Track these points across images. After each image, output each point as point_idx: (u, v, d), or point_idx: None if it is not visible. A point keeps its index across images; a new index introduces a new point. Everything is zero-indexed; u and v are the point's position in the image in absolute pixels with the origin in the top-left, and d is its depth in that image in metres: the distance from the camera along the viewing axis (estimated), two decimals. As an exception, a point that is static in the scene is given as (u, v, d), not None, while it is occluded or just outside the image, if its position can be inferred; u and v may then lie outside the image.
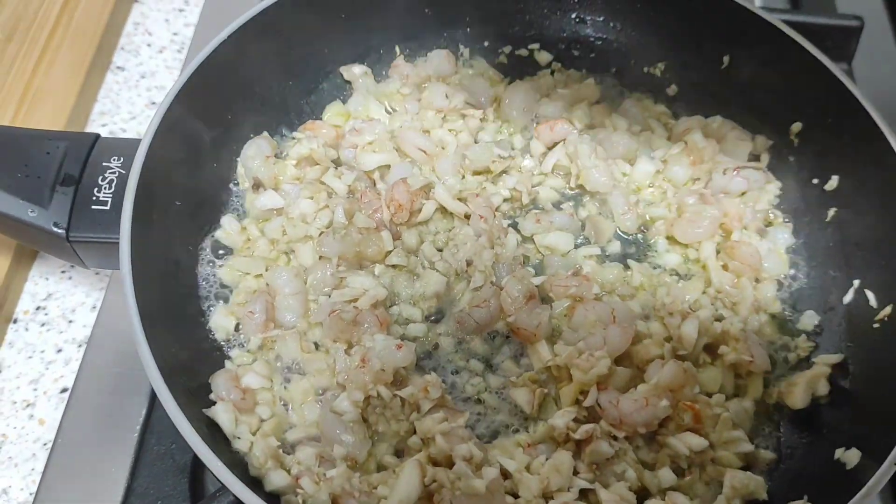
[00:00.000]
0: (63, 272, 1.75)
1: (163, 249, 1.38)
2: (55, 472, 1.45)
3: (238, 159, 1.58)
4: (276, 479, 1.20)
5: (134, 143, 1.34)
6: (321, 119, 1.71)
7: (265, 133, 1.60)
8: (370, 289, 1.41)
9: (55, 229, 1.32)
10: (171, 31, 2.20)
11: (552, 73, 1.81)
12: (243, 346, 1.42)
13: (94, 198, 1.34)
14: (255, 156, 1.53)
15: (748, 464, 1.34)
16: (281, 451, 1.28)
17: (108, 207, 1.34)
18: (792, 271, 1.56)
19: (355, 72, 1.73)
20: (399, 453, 1.32)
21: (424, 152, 1.60)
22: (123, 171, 1.37)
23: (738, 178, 1.58)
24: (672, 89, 1.78)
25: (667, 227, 1.58)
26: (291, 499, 1.20)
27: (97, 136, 1.42)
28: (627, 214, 1.57)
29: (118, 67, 2.13)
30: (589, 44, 1.82)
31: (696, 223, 1.54)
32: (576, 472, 1.28)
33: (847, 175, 1.52)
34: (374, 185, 1.58)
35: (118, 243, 1.25)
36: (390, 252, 1.49)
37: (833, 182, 1.54)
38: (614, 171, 1.60)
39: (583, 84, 1.77)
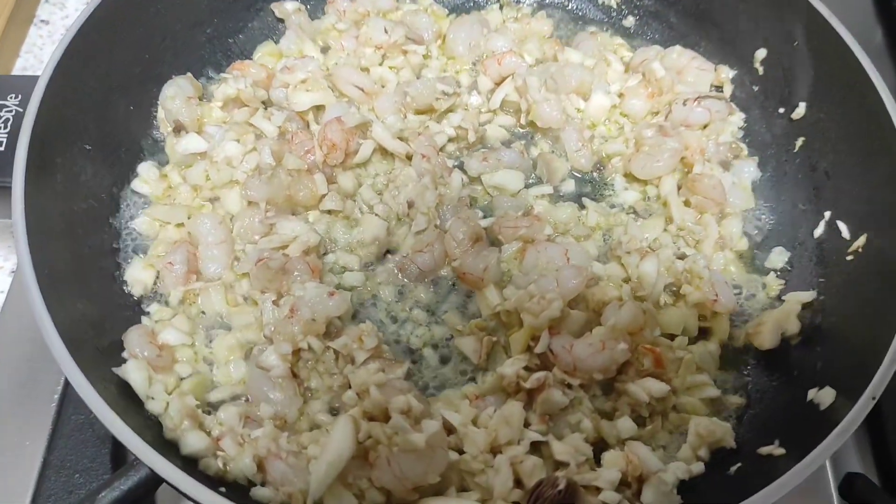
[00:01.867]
0: (-23, 235, 1.62)
1: (69, 197, 1.25)
2: (-36, 448, 1.33)
3: (158, 101, 1.44)
4: (193, 441, 1.09)
5: (33, 81, 1.20)
6: (251, 59, 1.57)
7: (188, 74, 1.47)
8: (301, 234, 1.29)
9: (-58, 173, 1.19)
10: (99, -19, 2.06)
11: (501, 6, 1.69)
12: (162, 301, 1.29)
13: (-13, 138, 1.22)
14: (174, 96, 1.41)
15: (715, 410, 1.24)
16: (200, 411, 1.16)
17: (2, 148, 1.21)
18: (759, 206, 1.46)
19: (287, 8, 1.60)
20: (335, 411, 1.21)
21: (362, 90, 1.48)
22: (20, 110, 1.24)
23: (698, 108, 1.47)
24: (629, 20, 1.67)
25: (624, 163, 1.47)
26: (210, 462, 1.09)
27: (-8, 73, 1.29)
28: (581, 151, 1.46)
29: (42, 21, 1.99)
30: (540, -26, 1.71)
31: (655, 157, 1.43)
32: (527, 425, 1.17)
33: (815, 102, 1.42)
34: (308, 126, 1.46)
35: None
36: (324, 196, 1.37)
37: (800, 110, 1.43)
38: (567, 106, 1.49)
39: (534, 17, 1.66)
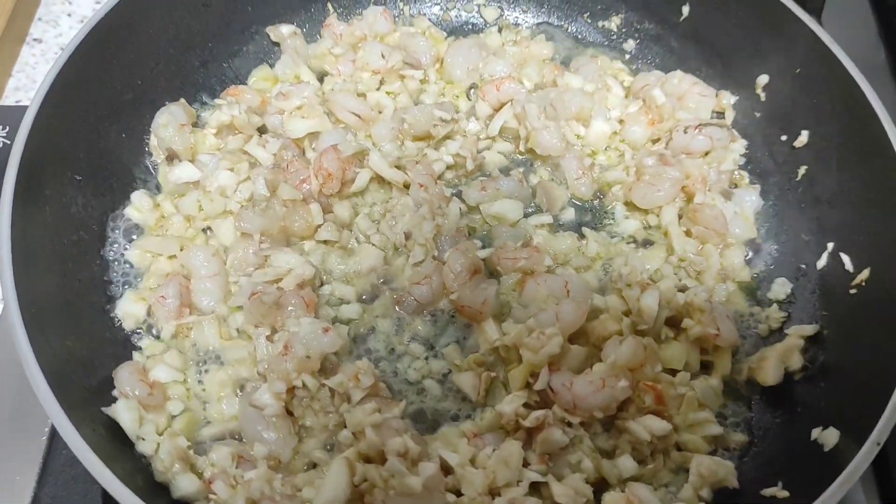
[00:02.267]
0: (-32, 262, 1.59)
1: (58, 230, 1.23)
2: (-48, 482, 1.30)
3: (150, 129, 1.42)
4: (185, 484, 1.06)
5: (21, 111, 1.18)
6: (246, 84, 1.55)
7: (182, 100, 1.44)
8: (296, 267, 1.27)
9: (-71, 207, 1.16)
10: (92, -1, 2.04)
11: (499, 29, 1.67)
12: (154, 336, 1.27)
13: (-27, 171, 1.19)
14: (167, 124, 1.38)
15: (717, 448, 1.22)
16: (192, 452, 1.13)
17: (-10, 181, 1.18)
18: (761, 236, 1.43)
19: (283, 32, 1.58)
20: (330, 449, 1.18)
21: (359, 117, 1.46)
22: (8, 142, 1.22)
23: (700, 136, 1.45)
24: (629, 44, 1.65)
25: (625, 191, 1.45)
26: (202, 506, 1.06)
27: (-21, 104, 1.27)
28: (581, 179, 1.44)
29: (35, 39, 1.96)
30: (538, -2, 1.69)
31: (656, 186, 1.41)
32: (526, 464, 1.14)
33: (818, 130, 1.40)
34: (303, 153, 1.44)
35: (1, 222, 1.09)
36: (320, 226, 1.34)
37: (803, 138, 1.41)
38: (567, 133, 1.46)
39: (533, 40, 1.64)
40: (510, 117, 1.48)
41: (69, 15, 2.00)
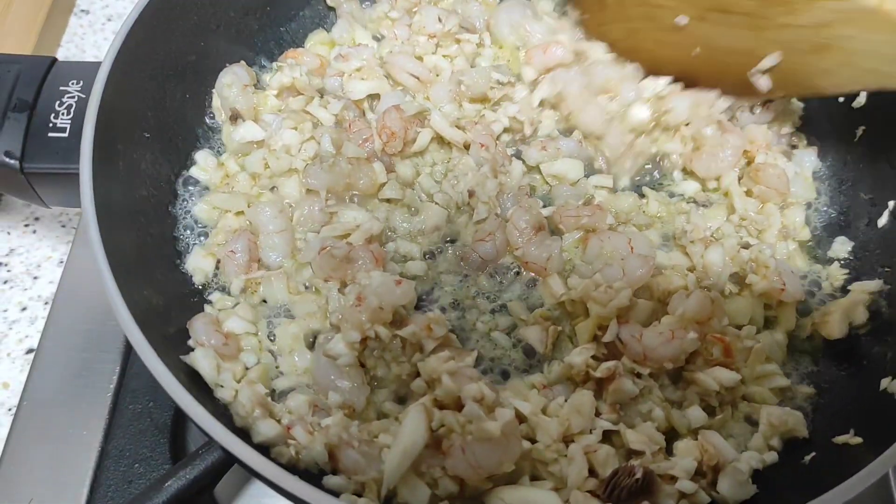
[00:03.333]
0: (27, 225, 1.62)
1: (131, 185, 1.24)
2: (21, 438, 1.34)
3: (214, 90, 1.43)
4: (265, 429, 1.07)
5: (95, 67, 1.20)
6: (303, 48, 1.56)
7: (242, 62, 1.46)
8: (364, 222, 1.28)
9: (7, 159, 1.18)
10: (137, -28, 2.05)
11: (551, -2, 1.67)
12: (224, 290, 1.28)
13: (51, 124, 1.21)
14: (231, 84, 1.39)
15: (784, 400, 1.22)
16: (269, 399, 1.14)
17: (66, 135, 1.20)
18: (821, 196, 1.44)
19: (338, -4, 1.59)
20: (401, 400, 1.20)
21: (418, 79, 1.47)
22: (83, 96, 1.23)
23: (767, 112, 1.45)
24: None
25: (684, 161, 1.44)
26: (283, 450, 1.07)
27: (54, 59, 1.28)
28: (624, 159, 1.44)
29: (82, 10, 1.99)
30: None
31: (716, 156, 1.40)
32: (597, 414, 1.16)
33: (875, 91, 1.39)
34: (364, 115, 1.45)
35: (79, 174, 1.10)
36: (384, 185, 1.35)
37: (861, 99, 1.41)
38: (611, 106, 1.45)
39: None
40: (549, 92, 1.47)
41: (115, -13, 2.02)
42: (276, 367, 1.21)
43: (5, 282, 1.55)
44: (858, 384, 1.21)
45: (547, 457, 1.09)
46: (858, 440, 1.09)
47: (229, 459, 1.06)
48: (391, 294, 1.18)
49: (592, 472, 1.09)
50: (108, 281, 1.03)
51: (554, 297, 1.27)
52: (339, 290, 1.23)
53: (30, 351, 1.47)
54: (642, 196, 1.41)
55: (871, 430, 1.09)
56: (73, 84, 1.23)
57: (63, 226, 1.62)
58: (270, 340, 1.24)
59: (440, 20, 1.51)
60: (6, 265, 1.57)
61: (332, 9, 1.61)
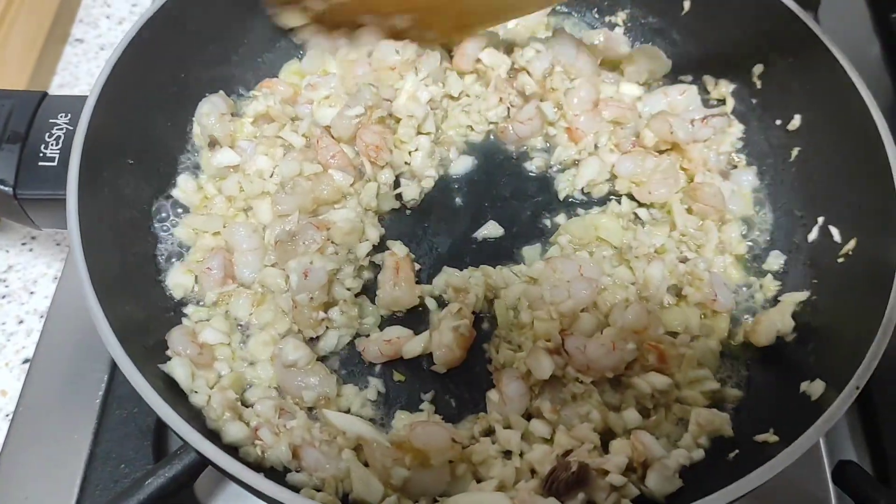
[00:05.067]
0: (24, 244, 1.73)
1: (115, 208, 1.35)
2: (17, 441, 1.43)
3: (193, 118, 1.54)
4: (234, 431, 1.18)
5: (81, 100, 1.31)
6: (277, 77, 1.68)
7: (221, 91, 1.57)
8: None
9: (2, 187, 1.30)
10: (129, 2, 2.17)
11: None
12: (200, 303, 1.39)
13: (41, 154, 1.32)
14: (209, 113, 1.50)
15: (714, 402, 1.33)
16: (239, 403, 1.25)
17: (55, 164, 1.31)
18: (757, 212, 1.54)
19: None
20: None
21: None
22: (71, 128, 1.34)
23: (705, 128, 1.55)
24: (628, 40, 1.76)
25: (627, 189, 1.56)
26: (250, 450, 1.18)
27: (44, 94, 1.40)
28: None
29: (77, 40, 2.10)
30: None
31: (659, 183, 1.51)
32: (539, 414, 1.26)
33: (809, 114, 1.51)
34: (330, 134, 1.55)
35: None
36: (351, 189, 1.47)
37: (796, 122, 1.52)
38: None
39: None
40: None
41: (108, 17, 2.14)
42: (247, 378, 1.32)
43: (3, 296, 1.66)
44: (781, 387, 1.30)
45: (486, 458, 1.19)
46: (776, 438, 1.19)
47: (203, 459, 1.16)
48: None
49: (533, 473, 1.20)
50: (91, 299, 1.14)
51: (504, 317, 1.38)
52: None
53: (26, 361, 1.57)
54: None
55: (788, 428, 1.18)
56: (61, 117, 1.35)
57: (58, 244, 1.73)
58: (244, 350, 1.35)
59: (397, 52, 1.60)
60: (5, 281, 1.68)
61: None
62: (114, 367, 1.48)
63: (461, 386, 1.36)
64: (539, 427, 1.24)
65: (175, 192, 1.49)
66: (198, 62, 1.56)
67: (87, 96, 1.31)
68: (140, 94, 1.43)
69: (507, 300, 1.40)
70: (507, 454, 1.24)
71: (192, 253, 1.43)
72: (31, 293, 1.67)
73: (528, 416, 1.28)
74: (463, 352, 1.34)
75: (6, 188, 1.30)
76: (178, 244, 1.45)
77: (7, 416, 1.51)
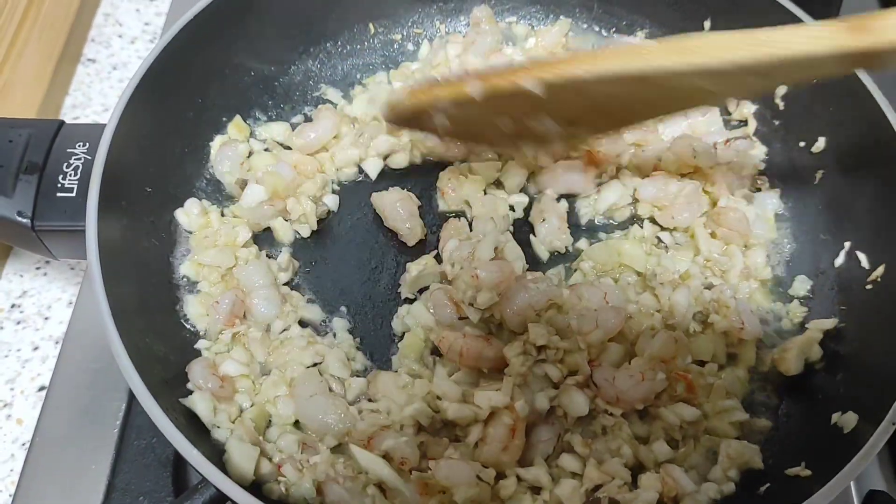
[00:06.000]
0: (38, 268, 1.72)
1: (134, 237, 1.34)
2: (34, 471, 1.41)
3: (211, 161, 1.55)
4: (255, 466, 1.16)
5: (99, 129, 1.29)
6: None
7: (233, 132, 1.57)
8: None
9: (20, 219, 1.28)
10: (142, 21, 2.16)
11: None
12: (217, 340, 1.37)
13: (59, 185, 1.30)
14: (230, 171, 1.51)
15: (744, 433, 1.31)
16: (262, 438, 1.23)
17: (73, 194, 1.30)
18: (781, 237, 1.52)
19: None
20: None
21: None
22: (89, 157, 1.33)
23: (728, 150, 1.53)
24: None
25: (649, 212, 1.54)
26: (273, 487, 1.17)
27: (61, 122, 1.38)
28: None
29: (89, 59, 2.09)
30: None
31: (683, 207, 1.49)
32: (570, 448, 1.24)
33: (834, 136, 1.49)
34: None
35: (85, 231, 1.20)
36: None
37: (820, 144, 1.50)
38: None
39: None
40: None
41: (120, 36, 2.13)
42: (269, 414, 1.30)
43: (18, 322, 1.64)
44: (812, 418, 1.29)
45: (514, 493, 1.17)
46: (808, 472, 1.17)
47: (224, 497, 1.15)
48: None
49: (560, 506, 1.18)
50: (112, 332, 1.12)
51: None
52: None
53: (41, 388, 1.55)
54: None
55: (820, 462, 1.17)
56: (79, 146, 1.33)
57: (72, 268, 1.71)
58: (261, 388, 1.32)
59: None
60: (19, 306, 1.66)
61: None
62: (132, 396, 1.47)
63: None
64: (569, 462, 1.22)
65: (178, 213, 1.45)
66: (213, 87, 1.55)
67: (104, 124, 1.30)
68: (157, 123, 1.41)
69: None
70: (536, 489, 1.21)
71: (207, 285, 1.41)
72: (46, 318, 1.65)
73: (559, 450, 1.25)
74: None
75: (24, 220, 1.28)
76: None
77: (24, 445, 1.50)
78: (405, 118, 1.44)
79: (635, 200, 1.55)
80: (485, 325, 1.36)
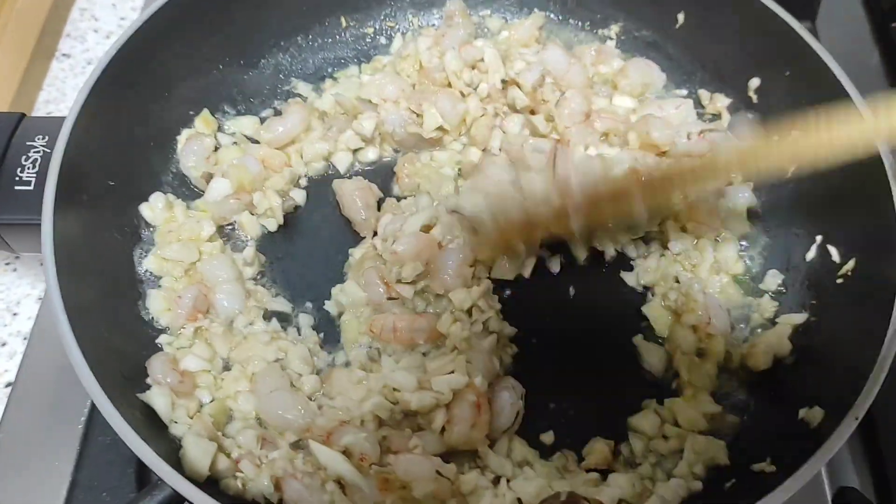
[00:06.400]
0: (7, 264, 1.70)
1: (95, 231, 1.32)
2: (-2, 468, 1.40)
3: (176, 155, 1.53)
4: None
5: (60, 122, 1.28)
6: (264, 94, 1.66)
7: (200, 125, 1.55)
8: None
9: (-24, 211, 1.27)
10: (118, 16, 2.14)
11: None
12: (178, 334, 1.35)
13: (17, 178, 1.29)
14: (195, 165, 1.49)
15: (712, 429, 1.29)
16: (220, 434, 1.22)
17: (31, 188, 1.28)
18: (753, 231, 1.51)
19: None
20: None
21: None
22: (48, 150, 1.31)
23: (702, 141, 1.51)
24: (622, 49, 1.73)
25: None
26: (230, 483, 1.15)
27: (22, 115, 1.36)
28: None
29: (64, 55, 2.07)
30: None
31: None
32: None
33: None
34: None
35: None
36: None
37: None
38: None
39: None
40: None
41: (95, 31, 2.11)
42: (230, 409, 1.28)
43: (-14, 318, 1.63)
44: (780, 412, 1.27)
45: (475, 489, 1.16)
46: (773, 468, 1.16)
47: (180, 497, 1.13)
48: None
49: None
50: (63, 325, 1.11)
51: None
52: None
53: (8, 385, 1.54)
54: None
55: (785, 457, 1.15)
56: (38, 139, 1.31)
57: (41, 264, 1.68)
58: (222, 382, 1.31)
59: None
60: (-13, 303, 1.65)
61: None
62: None
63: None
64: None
65: (142, 207, 1.43)
66: (181, 80, 1.53)
67: (64, 118, 1.28)
68: (121, 115, 1.39)
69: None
70: (497, 481, 1.20)
71: (164, 280, 1.39)
72: (15, 314, 1.64)
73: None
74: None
75: (-19, 213, 1.27)
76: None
77: (-12, 442, 1.48)
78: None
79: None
80: (423, 301, 1.36)
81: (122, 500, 1.35)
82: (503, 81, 1.58)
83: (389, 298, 1.34)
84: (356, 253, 1.43)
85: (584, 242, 1.43)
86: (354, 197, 1.47)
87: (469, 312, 1.29)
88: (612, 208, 1.29)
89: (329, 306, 1.41)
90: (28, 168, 1.30)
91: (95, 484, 1.37)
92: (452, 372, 1.23)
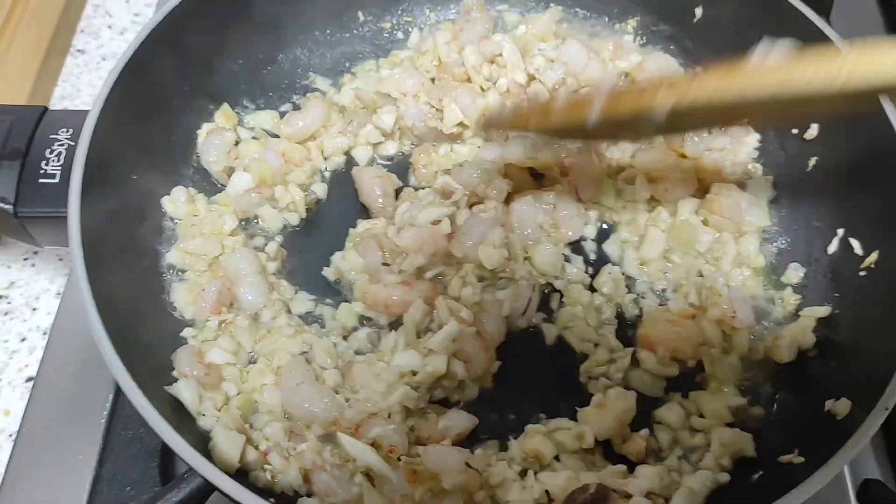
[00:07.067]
0: (26, 259, 1.70)
1: (119, 224, 1.31)
2: (21, 462, 1.39)
3: (197, 149, 1.53)
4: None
5: (83, 115, 1.27)
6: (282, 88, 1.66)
7: (220, 120, 1.56)
8: None
9: (1, 205, 1.26)
10: (131, 11, 2.14)
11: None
12: (203, 328, 1.35)
13: (42, 171, 1.29)
14: (216, 160, 1.49)
15: (737, 421, 1.29)
16: (248, 426, 1.22)
17: (56, 180, 1.28)
18: (775, 224, 1.51)
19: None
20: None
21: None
22: (73, 143, 1.31)
23: (723, 136, 1.51)
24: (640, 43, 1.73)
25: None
26: (259, 475, 1.15)
27: (44, 108, 1.36)
28: None
29: (78, 50, 2.07)
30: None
31: (678, 182, 1.48)
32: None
33: (826, 122, 1.47)
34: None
35: (67, 217, 1.18)
36: None
37: (813, 130, 1.49)
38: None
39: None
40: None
41: (109, 27, 2.11)
42: (255, 402, 1.28)
43: (6, 313, 1.63)
44: (805, 405, 1.27)
45: (503, 481, 1.16)
46: (801, 459, 1.16)
47: (211, 486, 1.13)
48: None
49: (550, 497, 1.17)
50: (94, 320, 1.11)
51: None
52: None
53: (29, 379, 1.54)
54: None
55: (813, 449, 1.15)
56: (63, 132, 1.32)
57: (60, 259, 1.70)
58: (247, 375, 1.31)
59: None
60: (7, 297, 1.65)
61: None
62: (119, 387, 1.41)
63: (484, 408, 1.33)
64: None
65: (164, 201, 1.44)
66: (200, 74, 1.53)
67: (88, 110, 1.28)
68: (143, 109, 1.39)
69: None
70: (524, 473, 1.20)
71: (189, 274, 1.39)
72: (34, 309, 1.63)
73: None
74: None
75: (6, 206, 1.26)
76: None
77: (10, 436, 1.48)
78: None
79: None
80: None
81: (146, 493, 1.35)
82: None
83: (384, 264, 1.37)
84: (361, 225, 1.45)
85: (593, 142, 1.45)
86: (373, 184, 1.47)
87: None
88: (634, 101, 1.21)
89: (327, 272, 1.43)
90: (53, 161, 1.29)
91: (119, 478, 1.37)
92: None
